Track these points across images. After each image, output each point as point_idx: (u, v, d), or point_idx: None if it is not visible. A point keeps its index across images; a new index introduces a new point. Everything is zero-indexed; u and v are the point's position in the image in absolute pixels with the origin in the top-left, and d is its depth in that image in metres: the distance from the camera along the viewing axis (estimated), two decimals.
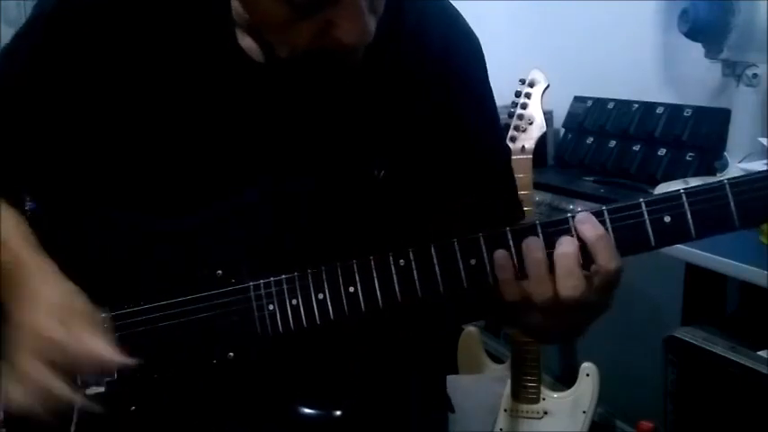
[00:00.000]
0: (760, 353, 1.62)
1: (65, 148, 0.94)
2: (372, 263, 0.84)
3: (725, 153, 2.09)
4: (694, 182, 1.81)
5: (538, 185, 2.26)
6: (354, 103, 0.93)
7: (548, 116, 2.10)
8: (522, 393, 2.11)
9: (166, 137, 0.92)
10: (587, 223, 0.80)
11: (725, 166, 2.05)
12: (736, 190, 0.77)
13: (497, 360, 2.42)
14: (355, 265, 0.85)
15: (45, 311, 0.83)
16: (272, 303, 0.86)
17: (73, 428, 0.86)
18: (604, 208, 0.80)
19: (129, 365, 0.83)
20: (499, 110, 1.11)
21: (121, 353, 0.83)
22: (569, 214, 0.80)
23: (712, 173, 2.11)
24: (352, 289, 0.85)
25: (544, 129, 2.00)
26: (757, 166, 1.86)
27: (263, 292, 0.87)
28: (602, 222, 0.80)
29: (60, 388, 0.81)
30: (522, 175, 1.92)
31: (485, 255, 0.82)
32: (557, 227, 0.81)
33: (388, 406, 0.98)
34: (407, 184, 0.94)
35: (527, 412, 2.10)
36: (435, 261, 0.83)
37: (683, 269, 1.94)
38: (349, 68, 0.88)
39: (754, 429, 1.61)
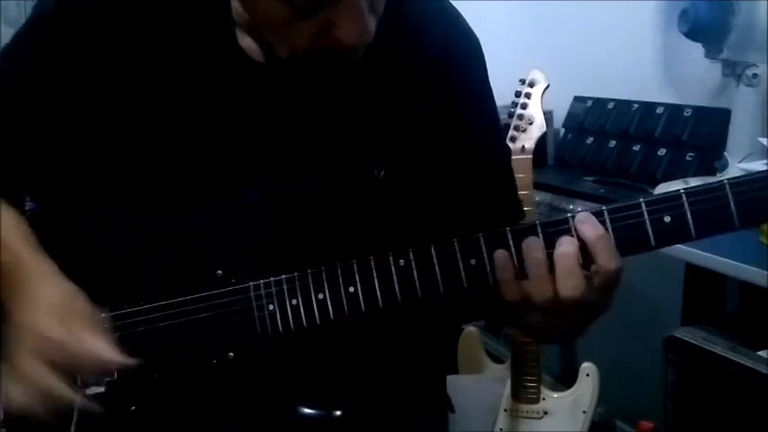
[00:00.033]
0: (760, 353, 1.62)
1: (65, 148, 0.94)
2: (372, 263, 0.84)
3: (725, 153, 2.09)
4: (694, 182, 1.81)
5: (538, 185, 2.26)
6: (354, 102, 0.93)
7: (548, 116, 2.10)
8: (522, 393, 2.11)
9: (166, 137, 0.92)
10: (587, 223, 0.80)
11: (725, 166, 2.05)
12: (736, 190, 0.77)
13: (497, 360, 2.42)
14: (355, 265, 0.85)
15: (45, 311, 0.83)
16: (272, 303, 0.86)
17: (73, 428, 0.86)
18: (604, 208, 0.80)
19: (128, 365, 0.83)
20: (499, 110, 1.11)
21: (121, 353, 0.83)
22: (569, 214, 0.80)
23: (712, 173, 2.11)
24: (352, 289, 0.85)
25: (544, 129, 1.99)
26: (757, 166, 1.86)
27: (262, 292, 0.87)
28: (602, 222, 0.80)
29: (60, 388, 0.81)
30: (522, 175, 1.92)
31: (485, 255, 0.82)
32: (557, 227, 0.81)
33: (388, 406, 0.98)
34: (407, 184, 0.94)
35: (527, 412, 2.10)
36: (435, 261, 0.83)
37: (683, 269, 1.94)
38: (349, 68, 0.88)
39: (754, 429, 1.61)
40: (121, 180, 0.94)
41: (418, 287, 0.83)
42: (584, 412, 2.07)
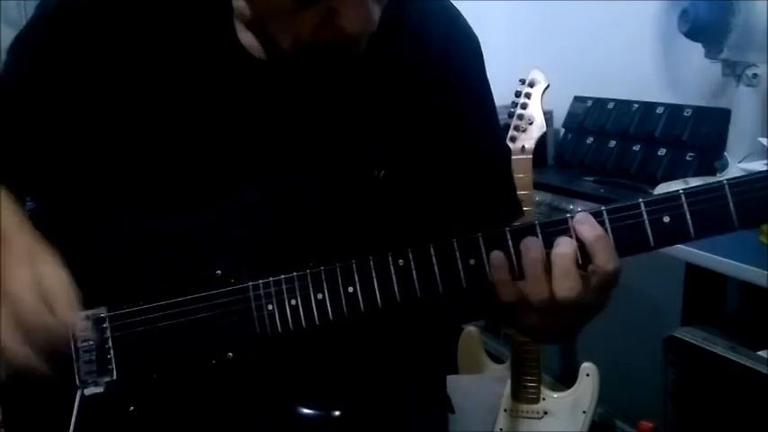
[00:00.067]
0: (760, 353, 1.62)
1: (67, 148, 0.94)
2: (371, 263, 0.84)
3: (725, 153, 2.09)
4: (694, 182, 1.81)
5: (538, 185, 2.26)
6: (354, 101, 0.93)
7: (548, 116, 2.10)
8: (522, 393, 2.11)
9: (168, 135, 0.92)
10: (586, 224, 0.79)
11: (725, 166, 2.05)
12: (735, 190, 0.77)
13: (497, 360, 2.42)
14: (354, 266, 0.84)
15: (20, 280, 0.83)
16: (272, 303, 0.86)
17: (72, 429, 0.86)
18: (603, 208, 0.80)
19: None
20: (499, 110, 1.11)
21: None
22: (568, 215, 0.80)
23: (712, 173, 2.11)
24: (351, 289, 0.84)
25: (544, 129, 1.99)
26: (757, 166, 1.86)
27: (262, 292, 0.87)
28: (602, 223, 0.79)
29: (27, 356, 0.81)
30: (522, 175, 1.92)
31: (484, 255, 0.82)
32: (555, 227, 0.81)
33: (387, 406, 0.98)
34: (407, 183, 0.94)
35: (527, 412, 2.10)
36: (434, 261, 0.83)
37: (683, 269, 1.94)
38: (352, 60, 0.88)
39: (754, 429, 1.61)
40: (123, 179, 0.94)
41: (417, 287, 0.83)
42: (584, 412, 2.07)
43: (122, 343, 0.87)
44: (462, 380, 2.31)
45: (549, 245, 0.80)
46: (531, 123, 1.98)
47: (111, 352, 0.88)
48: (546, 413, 2.10)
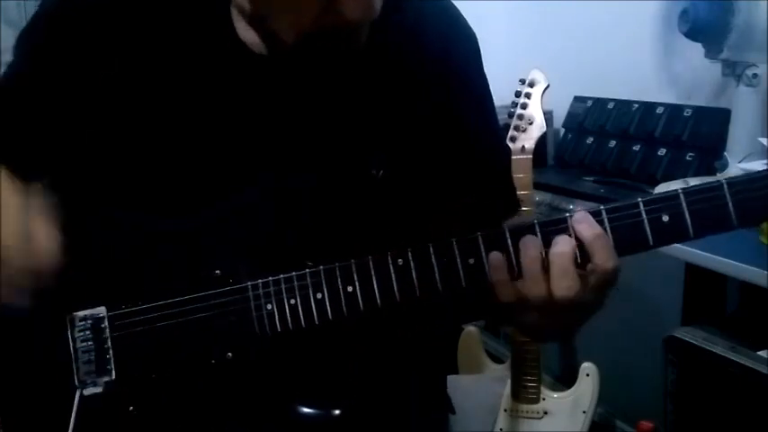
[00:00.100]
0: (760, 353, 1.62)
1: (67, 148, 0.94)
2: (371, 262, 0.84)
3: (725, 153, 2.09)
4: (694, 182, 1.80)
5: (538, 185, 2.26)
6: (354, 100, 0.93)
7: (548, 116, 2.10)
8: (522, 393, 2.11)
9: (168, 134, 0.92)
10: (584, 223, 0.79)
11: (725, 166, 2.05)
12: (734, 189, 0.77)
13: (497, 360, 2.42)
14: (354, 265, 0.84)
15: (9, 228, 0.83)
16: (271, 303, 0.86)
17: (71, 429, 0.86)
18: (602, 207, 0.80)
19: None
20: (499, 110, 1.11)
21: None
22: (567, 213, 0.80)
23: (712, 173, 2.11)
24: (350, 288, 0.84)
25: (544, 129, 1.99)
26: (757, 166, 1.86)
27: (261, 291, 0.87)
28: (600, 222, 0.80)
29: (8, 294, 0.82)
30: (522, 175, 1.92)
31: (483, 254, 0.82)
32: (554, 226, 0.81)
33: (387, 406, 0.98)
34: (407, 183, 0.94)
35: (527, 412, 2.10)
36: (434, 260, 0.83)
37: (683, 269, 1.94)
38: (353, 50, 0.88)
39: (754, 429, 1.60)
40: (123, 179, 0.93)
41: (417, 287, 0.83)
42: (584, 412, 2.07)
43: (121, 343, 0.87)
44: (462, 380, 2.31)
45: (548, 244, 0.80)
46: (531, 123, 1.98)
47: (111, 352, 0.88)
48: (546, 413, 2.09)
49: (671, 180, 2.19)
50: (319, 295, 0.85)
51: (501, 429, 2.12)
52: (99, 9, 0.92)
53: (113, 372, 0.87)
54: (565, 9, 2.79)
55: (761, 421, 1.57)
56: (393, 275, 0.84)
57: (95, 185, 0.94)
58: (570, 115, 2.78)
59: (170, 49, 0.91)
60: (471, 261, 0.82)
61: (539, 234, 0.81)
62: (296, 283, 0.86)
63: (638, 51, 2.54)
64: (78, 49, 0.92)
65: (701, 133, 2.30)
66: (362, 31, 0.85)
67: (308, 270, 0.86)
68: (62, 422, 0.85)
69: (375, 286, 0.84)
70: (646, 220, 0.78)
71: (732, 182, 0.77)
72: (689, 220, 0.78)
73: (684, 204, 0.78)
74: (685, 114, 2.36)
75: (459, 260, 0.83)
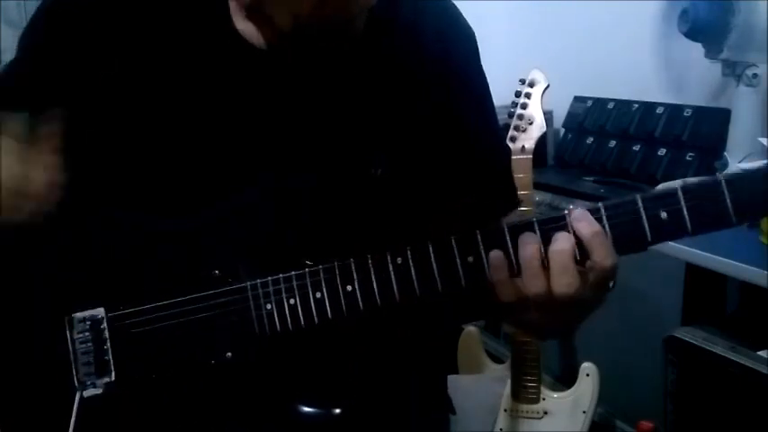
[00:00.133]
0: (760, 353, 1.62)
1: (67, 147, 0.94)
2: (370, 262, 0.84)
3: (725, 153, 2.09)
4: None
5: (538, 185, 2.26)
6: (354, 98, 0.93)
7: (548, 116, 2.10)
8: (522, 393, 2.11)
9: (167, 131, 0.92)
10: (583, 220, 0.80)
11: (725, 167, 2.05)
12: (732, 186, 0.77)
13: (497, 360, 2.41)
14: (353, 264, 0.84)
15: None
16: (270, 303, 0.86)
17: (71, 429, 0.86)
18: (601, 204, 0.80)
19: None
20: (499, 110, 1.11)
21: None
22: (566, 211, 0.80)
23: (712, 173, 2.10)
24: (349, 288, 0.84)
25: (544, 129, 1.99)
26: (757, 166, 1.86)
27: (260, 291, 0.87)
28: (599, 219, 0.80)
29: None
30: (522, 175, 1.92)
31: (482, 252, 0.82)
32: (553, 224, 0.81)
33: (387, 406, 0.98)
34: (406, 183, 0.94)
35: (527, 412, 2.10)
36: (433, 259, 0.83)
37: (683, 269, 1.94)
38: (350, 41, 0.88)
39: (754, 429, 1.60)
40: (122, 178, 0.93)
41: (416, 286, 0.83)
42: (584, 412, 2.07)
43: (121, 344, 0.87)
44: (462, 380, 2.31)
45: (547, 241, 0.80)
46: (531, 123, 1.98)
47: (110, 353, 0.88)
48: (546, 413, 2.09)
49: (671, 180, 2.19)
50: (319, 295, 0.85)
51: (501, 429, 2.12)
52: (98, 7, 0.92)
53: (113, 373, 0.87)
54: (565, 9, 2.79)
55: (761, 421, 1.57)
56: (392, 274, 0.84)
57: (94, 184, 0.94)
58: (570, 115, 2.78)
59: (169, 46, 0.91)
60: (471, 259, 0.82)
61: (538, 232, 0.81)
62: (295, 282, 0.86)
63: (638, 51, 2.54)
64: (77, 47, 0.92)
65: (701, 133, 2.30)
66: (359, 18, 0.85)
67: (307, 270, 0.86)
68: (62, 424, 0.85)
69: (374, 285, 0.84)
70: (644, 217, 0.79)
71: (730, 178, 0.77)
72: (687, 217, 0.78)
73: (683, 201, 0.78)
74: (685, 114, 2.36)
75: (458, 258, 0.82)
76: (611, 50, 2.62)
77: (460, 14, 1.02)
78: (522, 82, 2.01)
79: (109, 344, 0.88)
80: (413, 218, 0.94)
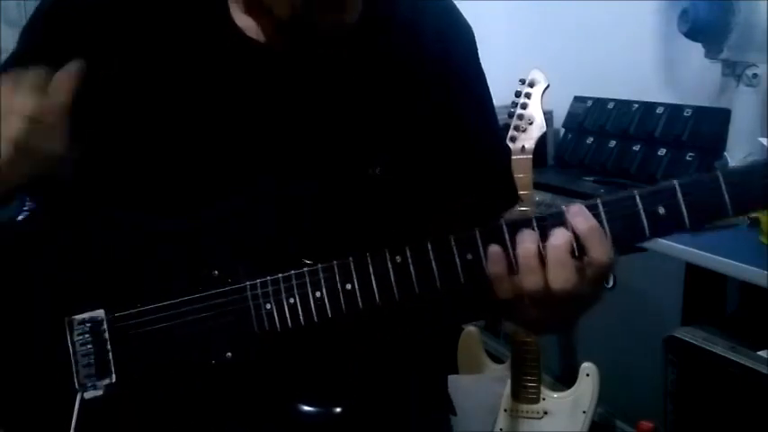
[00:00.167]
0: (760, 353, 1.63)
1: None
2: (369, 260, 0.84)
3: (725, 153, 2.09)
4: None
5: (538, 185, 2.26)
6: (354, 97, 0.93)
7: (548, 116, 2.10)
8: (522, 393, 2.11)
9: (167, 130, 0.91)
10: (580, 216, 0.80)
11: (725, 167, 2.05)
12: (729, 179, 0.77)
13: (497, 360, 2.42)
14: (352, 263, 0.84)
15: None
16: (270, 303, 0.86)
17: (72, 431, 0.86)
18: (599, 200, 0.80)
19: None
20: (499, 110, 1.11)
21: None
22: (563, 207, 0.81)
23: None
24: (349, 287, 0.84)
25: (544, 129, 1.99)
26: None
27: (259, 291, 0.87)
28: (597, 215, 0.80)
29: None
30: (522, 175, 1.92)
31: (481, 249, 0.82)
32: (551, 220, 0.81)
33: (387, 406, 0.98)
34: (406, 182, 0.94)
35: (527, 412, 2.10)
36: (432, 257, 0.83)
37: (683, 269, 1.95)
38: (346, 29, 0.89)
39: (754, 429, 1.61)
40: (122, 178, 0.93)
41: (415, 284, 0.83)
42: (584, 412, 2.07)
43: (121, 345, 0.87)
44: (462, 380, 2.31)
45: (544, 237, 0.80)
46: (531, 123, 1.98)
47: (110, 355, 0.87)
48: (546, 413, 2.09)
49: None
50: (318, 294, 0.85)
51: (501, 429, 2.12)
52: (97, 6, 0.92)
53: (114, 374, 0.87)
54: (565, 9, 2.79)
55: (761, 421, 1.57)
56: (391, 273, 0.83)
57: (96, 185, 0.94)
58: (570, 115, 2.78)
59: (169, 45, 0.91)
60: (469, 257, 0.82)
61: (536, 228, 0.81)
62: (294, 281, 0.86)
63: (638, 51, 2.54)
64: (76, 47, 0.91)
65: (701, 133, 2.30)
66: (356, 8, 0.85)
67: (306, 269, 0.86)
68: (63, 426, 0.85)
69: (374, 284, 0.84)
70: (642, 212, 0.79)
71: (727, 172, 0.77)
72: (685, 211, 0.78)
73: (680, 195, 0.78)
74: (685, 114, 2.36)
75: (457, 256, 0.82)
76: (611, 50, 2.63)
77: (460, 14, 1.02)
78: (522, 82, 2.01)
79: (109, 345, 0.87)
80: (412, 218, 0.94)
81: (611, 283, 2.11)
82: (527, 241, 0.80)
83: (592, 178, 2.52)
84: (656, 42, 2.50)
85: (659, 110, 2.45)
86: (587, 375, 2.08)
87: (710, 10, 2.04)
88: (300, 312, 0.86)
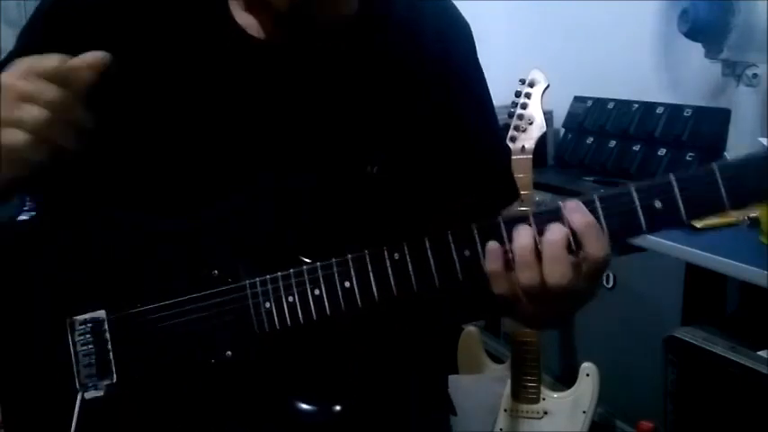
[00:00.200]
0: (760, 353, 1.62)
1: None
2: (367, 257, 0.84)
3: (725, 153, 2.09)
4: None
5: (538, 185, 2.25)
6: (354, 97, 0.93)
7: (548, 116, 2.10)
8: (522, 393, 2.11)
9: (167, 130, 0.92)
10: (577, 211, 0.80)
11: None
12: (725, 173, 0.77)
13: (497, 360, 2.42)
14: (350, 261, 0.85)
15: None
16: (269, 301, 0.86)
17: (73, 430, 0.86)
18: (595, 196, 0.80)
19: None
20: (499, 110, 1.11)
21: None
22: (560, 202, 0.81)
23: None
24: (347, 284, 0.84)
25: (544, 129, 1.99)
26: None
27: (259, 290, 0.87)
28: (594, 210, 0.80)
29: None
30: (522, 175, 1.92)
31: (478, 245, 0.82)
32: (548, 215, 0.81)
33: (387, 405, 0.98)
34: (406, 182, 0.94)
35: (527, 412, 2.10)
36: (430, 254, 0.83)
37: (683, 269, 1.94)
38: (345, 24, 0.89)
39: (754, 429, 1.61)
40: (122, 178, 0.93)
41: (414, 281, 0.83)
42: (584, 412, 2.07)
43: (122, 345, 0.87)
44: (462, 380, 2.31)
45: (541, 233, 0.80)
46: (531, 123, 1.98)
47: (111, 355, 0.88)
48: (546, 413, 2.09)
49: None
50: (317, 292, 0.85)
51: (501, 429, 2.12)
52: (96, 6, 0.92)
53: (114, 374, 0.87)
54: (565, 9, 2.79)
55: (761, 421, 1.57)
56: (390, 270, 0.84)
57: (96, 185, 0.94)
58: (570, 115, 2.78)
59: (169, 44, 0.91)
60: (467, 253, 0.82)
61: (533, 224, 0.81)
62: (293, 280, 0.86)
63: (638, 51, 2.54)
64: (76, 47, 0.91)
65: (701, 133, 2.30)
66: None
67: (305, 267, 0.86)
68: (64, 426, 0.85)
69: (372, 281, 0.84)
70: (639, 207, 0.79)
71: (723, 165, 0.78)
72: (682, 205, 0.78)
73: (677, 189, 0.78)
74: (685, 114, 2.36)
75: (454, 252, 0.83)
76: (611, 50, 2.62)
77: (459, 13, 1.02)
78: (522, 82, 2.01)
79: (110, 346, 0.88)
80: (411, 217, 0.94)
81: (611, 284, 2.12)
82: (523, 236, 0.80)
83: (592, 178, 2.51)
84: (656, 42, 2.50)
85: (659, 110, 2.44)
86: (587, 375, 2.08)
87: (710, 10, 2.04)
88: (299, 311, 0.86)
